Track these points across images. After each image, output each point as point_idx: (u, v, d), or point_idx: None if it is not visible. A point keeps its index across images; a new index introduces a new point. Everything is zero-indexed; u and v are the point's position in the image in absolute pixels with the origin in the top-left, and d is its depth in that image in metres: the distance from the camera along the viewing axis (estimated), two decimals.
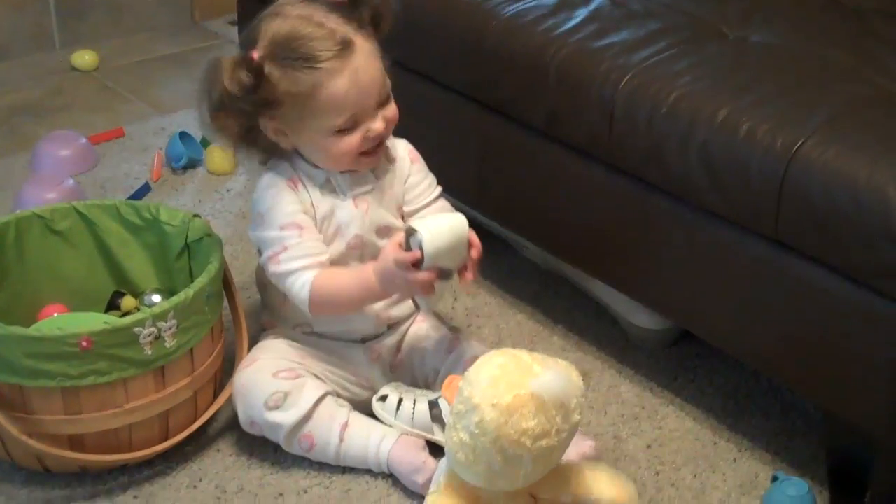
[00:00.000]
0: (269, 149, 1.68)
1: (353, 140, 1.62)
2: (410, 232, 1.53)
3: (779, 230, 1.51)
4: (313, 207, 1.66)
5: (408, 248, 1.53)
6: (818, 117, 1.51)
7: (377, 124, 1.62)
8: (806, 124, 1.50)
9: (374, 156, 1.67)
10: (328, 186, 1.67)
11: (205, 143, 2.50)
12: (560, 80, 1.74)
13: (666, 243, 1.69)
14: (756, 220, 1.54)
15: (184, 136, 2.47)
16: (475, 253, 1.58)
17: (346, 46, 1.57)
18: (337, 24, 1.59)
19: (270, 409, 1.62)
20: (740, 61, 1.68)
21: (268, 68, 1.57)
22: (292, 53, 1.57)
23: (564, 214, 1.84)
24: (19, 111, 2.73)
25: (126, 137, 2.59)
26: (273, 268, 1.64)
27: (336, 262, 1.67)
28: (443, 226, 1.53)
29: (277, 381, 1.63)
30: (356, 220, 1.68)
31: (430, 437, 1.63)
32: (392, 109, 1.65)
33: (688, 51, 1.69)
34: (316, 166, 1.66)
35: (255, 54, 1.57)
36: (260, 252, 1.68)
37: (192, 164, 2.47)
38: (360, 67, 1.58)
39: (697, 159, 1.58)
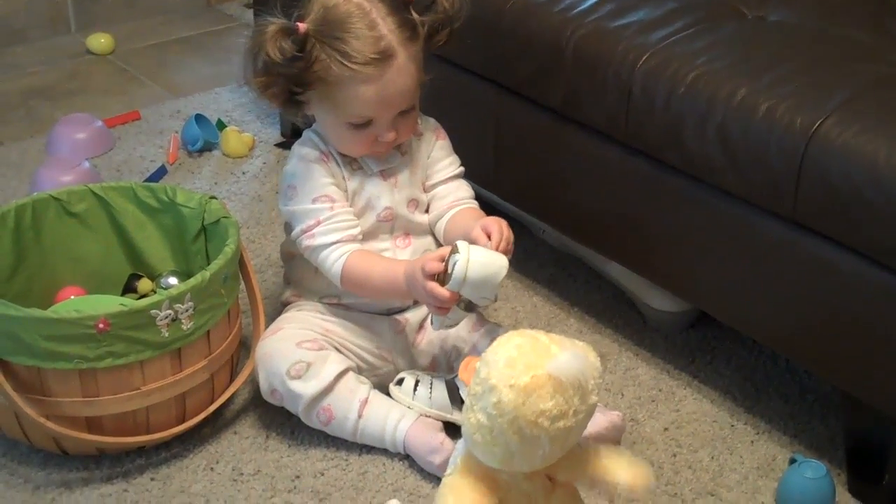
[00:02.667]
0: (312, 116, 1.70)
1: (362, 137, 1.64)
2: (454, 250, 1.53)
3: (797, 211, 1.50)
4: (344, 180, 1.68)
5: (448, 262, 1.54)
6: (837, 97, 1.50)
7: (389, 135, 1.63)
8: (825, 104, 1.49)
9: (385, 151, 1.67)
10: (355, 163, 1.68)
11: (220, 125, 2.50)
12: (577, 61, 1.73)
13: (683, 225, 1.68)
14: (774, 200, 1.53)
15: (200, 118, 2.47)
16: (494, 241, 1.57)
17: (384, 58, 1.57)
18: (389, 30, 1.58)
19: (292, 378, 1.62)
20: (759, 41, 1.67)
21: (310, 44, 1.57)
22: (333, 42, 1.57)
23: (581, 196, 1.83)
24: (35, 94, 2.74)
25: (142, 120, 2.59)
26: (307, 242, 1.66)
27: (367, 235, 1.68)
28: (482, 259, 1.52)
29: (301, 351, 1.64)
30: (386, 193, 1.69)
31: (448, 417, 1.63)
32: (410, 120, 1.67)
33: (705, 30, 1.68)
34: None
35: (302, 26, 1.57)
36: (290, 226, 1.69)
37: (208, 147, 2.47)
38: (390, 80, 1.59)
39: (715, 140, 1.57)
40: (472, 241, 1.57)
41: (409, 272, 1.58)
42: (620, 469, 1.37)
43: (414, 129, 1.70)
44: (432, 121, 1.77)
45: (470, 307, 1.60)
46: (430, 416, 1.64)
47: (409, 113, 1.65)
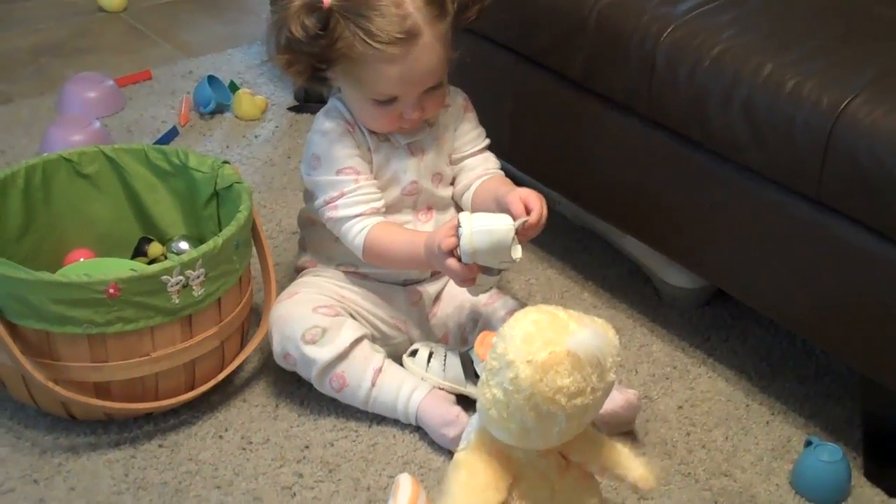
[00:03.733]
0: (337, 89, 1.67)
1: (387, 113, 1.62)
2: (458, 223, 1.51)
3: (822, 190, 1.48)
4: (369, 152, 1.65)
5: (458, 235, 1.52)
6: (866, 75, 1.47)
7: (414, 113, 1.61)
8: (853, 82, 1.46)
9: (410, 127, 1.65)
10: (381, 134, 1.65)
11: (233, 87, 2.48)
12: (599, 31, 1.70)
13: (704, 201, 1.66)
14: (799, 179, 1.50)
15: (212, 80, 2.44)
16: (534, 218, 1.54)
17: (409, 37, 1.54)
18: (415, 8, 1.54)
19: (307, 342, 1.61)
20: (786, 15, 1.64)
21: (334, 21, 1.54)
22: (357, 19, 1.54)
23: (599, 169, 1.81)
24: (46, 52, 2.71)
25: (153, 80, 2.57)
26: (329, 213, 1.64)
27: (390, 208, 1.67)
28: (484, 227, 1.50)
29: (317, 316, 1.62)
30: (412, 166, 1.67)
31: (462, 390, 1.62)
32: (437, 97, 1.63)
33: (732, 3, 1.65)
34: None
35: (327, 2, 1.53)
36: (312, 194, 1.68)
37: (220, 109, 2.44)
38: (414, 59, 1.55)
39: (740, 116, 1.54)
40: (506, 206, 1.54)
41: (429, 245, 1.56)
42: (632, 468, 1.37)
43: (441, 105, 1.67)
44: (461, 93, 1.73)
45: (487, 270, 1.57)
46: (443, 389, 1.62)
47: (435, 90, 1.62)
